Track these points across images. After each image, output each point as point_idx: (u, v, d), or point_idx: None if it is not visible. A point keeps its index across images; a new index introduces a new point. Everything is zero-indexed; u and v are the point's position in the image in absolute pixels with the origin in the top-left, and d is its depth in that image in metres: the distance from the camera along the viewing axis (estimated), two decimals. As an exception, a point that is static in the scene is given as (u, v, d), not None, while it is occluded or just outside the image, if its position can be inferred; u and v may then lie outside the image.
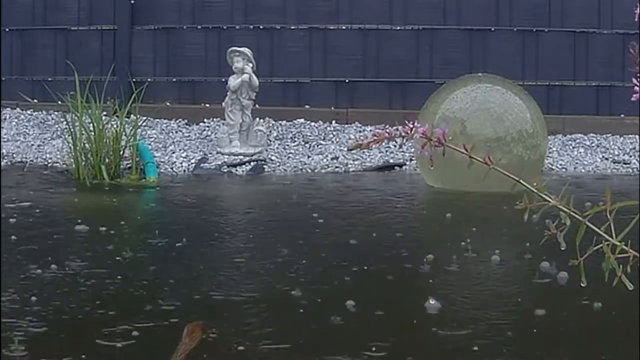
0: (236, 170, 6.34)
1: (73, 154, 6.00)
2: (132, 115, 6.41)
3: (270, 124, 7.15)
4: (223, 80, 6.83)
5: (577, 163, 6.56)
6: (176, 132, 7.13)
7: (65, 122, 6.18)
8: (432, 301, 3.47)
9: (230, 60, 6.63)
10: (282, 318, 3.42)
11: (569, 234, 1.56)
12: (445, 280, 3.95)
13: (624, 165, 6.54)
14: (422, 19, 7.38)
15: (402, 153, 6.60)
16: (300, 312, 3.47)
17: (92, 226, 4.76)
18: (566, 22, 7.32)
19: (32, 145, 6.79)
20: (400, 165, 6.45)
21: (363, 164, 6.46)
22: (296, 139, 6.93)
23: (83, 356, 2.97)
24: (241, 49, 6.61)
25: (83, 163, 5.96)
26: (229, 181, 6.17)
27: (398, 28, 7.42)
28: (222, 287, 3.80)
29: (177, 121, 7.37)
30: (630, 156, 6.69)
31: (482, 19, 7.35)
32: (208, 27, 7.54)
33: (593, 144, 6.94)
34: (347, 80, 7.46)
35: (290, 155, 6.61)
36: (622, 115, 7.19)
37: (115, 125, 6.13)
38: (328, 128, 7.20)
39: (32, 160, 6.47)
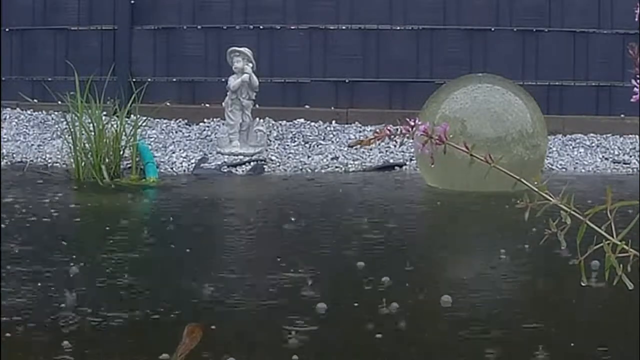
0: (236, 170, 6.34)
1: (73, 154, 5.99)
2: (132, 115, 6.41)
3: (270, 124, 7.15)
4: (223, 80, 6.83)
5: (577, 163, 6.56)
6: (176, 132, 7.13)
7: (65, 122, 6.17)
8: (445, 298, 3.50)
9: (230, 60, 6.63)
10: (282, 318, 3.42)
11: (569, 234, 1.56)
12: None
13: (624, 165, 6.54)
14: (422, 19, 7.38)
15: (402, 153, 6.60)
16: (300, 313, 3.47)
17: (93, 226, 4.76)
18: (566, 22, 7.32)
19: (32, 145, 6.79)
20: (401, 165, 6.45)
21: (363, 164, 6.46)
22: (296, 139, 6.93)
23: (85, 353, 2.98)
24: (241, 49, 6.61)
25: (83, 163, 5.96)
26: (229, 181, 6.17)
27: (398, 28, 7.42)
28: (222, 287, 3.80)
29: (177, 121, 7.37)
30: (630, 156, 6.69)
31: (482, 19, 7.35)
32: (208, 27, 7.53)
33: (593, 144, 6.94)
34: (347, 80, 7.46)
35: (290, 155, 6.61)
36: (622, 115, 7.18)
37: (115, 125, 6.13)
38: (328, 128, 7.20)
39: (32, 160, 6.46)
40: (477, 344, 3.17)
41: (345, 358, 3.11)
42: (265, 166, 6.40)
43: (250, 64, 6.59)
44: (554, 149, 6.76)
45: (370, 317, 3.40)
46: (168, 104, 7.47)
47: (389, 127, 1.50)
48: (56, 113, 7.18)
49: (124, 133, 6.11)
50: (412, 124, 1.50)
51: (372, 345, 3.12)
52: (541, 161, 5.95)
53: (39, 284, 3.71)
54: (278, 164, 6.44)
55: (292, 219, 4.88)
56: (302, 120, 7.32)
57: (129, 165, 6.12)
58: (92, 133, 6.01)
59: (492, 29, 7.36)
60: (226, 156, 6.51)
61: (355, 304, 3.54)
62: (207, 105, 7.46)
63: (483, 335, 3.25)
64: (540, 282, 3.96)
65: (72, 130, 6.00)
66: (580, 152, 6.77)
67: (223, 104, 6.67)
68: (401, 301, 3.48)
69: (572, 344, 3.17)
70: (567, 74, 7.34)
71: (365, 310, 3.47)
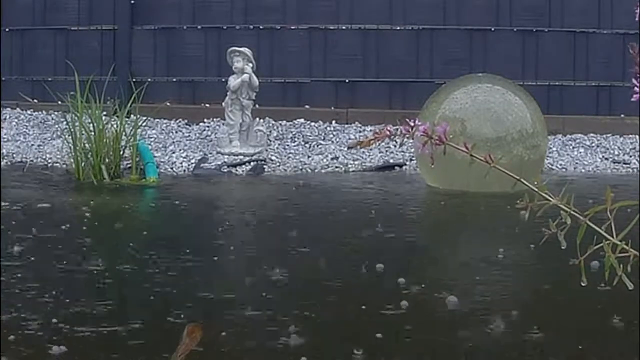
0: (236, 170, 6.34)
1: (73, 154, 5.99)
2: (132, 115, 6.41)
3: (270, 124, 7.15)
4: (223, 80, 6.83)
5: (577, 163, 6.56)
6: (176, 132, 7.13)
7: (65, 122, 6.17)
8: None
9: (230, 60, 6.63)
10: (282, 319, 3.42)
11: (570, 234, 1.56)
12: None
13: (624, 165, 6.54)
14: (422, 19, 7.38)
15: (402, 153, 6.60)
16: (300, 313, 3.47)
17: (93, 226, 4.76)
18: (566, 22, 7.31)
19: (32, 145, 6.79)
20: (401, 165, 6.45)
21: (363, 164, 6.46)
22: (296, 139, 6.93)
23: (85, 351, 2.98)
24: (241, 49, 6.61)
25: (83, 163, 5.95)
26: (229, 181, 6.16)
27: (398, 28, 7.42)
28: (222, 287, 3.80)
29: (177, 121, 7.37)
30: (630, 156, 6.69)
31: (482, 19, 7.35)
32: (208, 27, 7.53)
33: (593, 144, 6.94)
34: (347, 80, 7.46)
35: (290, 155, 6.61)
36: (622, 115, 7.18)
37: (115, 125, 6.13)
38: (328, 128, 7.20)
39: (32, 160, 6.46)
40: (479, 343, 3.18)
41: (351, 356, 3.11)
42: (265, 166, 6.40)
43: (250, 64, 6.59)
44: (554, 149, 6.76)
45: (376, 318, 3.41)
46: (168, 104, 7.47)
47: (388, 128, 1.50)
48: (56, 113, 7.17)
49: (124, 133, 6.11)
50: (412, 124, 1.50)
51: (376, 346, 3.12)
52: (541, 161, 5.95)
53: (40, 285, 3.72)
54: (278, 164, 6.44)
55: (294, 219, 4.88)
56: (302, 120, 7.32)
57: (129, 165, 6.12)
58: (92, 133, 6.01)
59: (492, 29, 7.35)
60: (226, 156, 6.51)
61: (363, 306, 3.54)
62: (207, 105, 7.45)
63: (484, 335, 3.25)
64: (541, 282, 3.96)
65: (72, 130, 6.00)
66: (580, 152, 6.77)
67: (223, 104, 6.67)
68: (411, 301, 3.49)
69: (572, 344, 3.17)
70: (567, 74, 7.34)
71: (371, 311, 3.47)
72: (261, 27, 7.48)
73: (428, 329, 3.37)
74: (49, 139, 6.91)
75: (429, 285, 3.86)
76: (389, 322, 3.36)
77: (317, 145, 6.82)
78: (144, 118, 6.62)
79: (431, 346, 3.18)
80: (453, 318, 3.44)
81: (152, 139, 6.86)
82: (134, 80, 7.40)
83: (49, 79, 7.57)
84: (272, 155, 6.56)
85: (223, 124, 6.82)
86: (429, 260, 4.38)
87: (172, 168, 6.34)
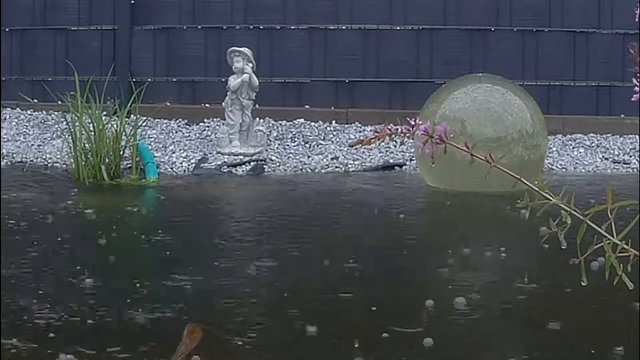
0: (236, 170, 6.34)
1: (73, 154, 5.99)
2: (132, 115, 6.41)
3: (270, 124, 7.15)
4: (223, 80, 6.83)
5: (577, 163, 6.56)
6: (176, 132, 7.13)
7: (65, 122, 6.17)
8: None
9: (230, 60, 6.63)
10: (282, 319, 3.42)
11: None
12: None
13: (624, 165, 6.54)
14: (422, 19, 7.38)
15: (402, 153, 6.60)
16: (300, 313, 3.47)
17: (93, 226, 4.76)
18: (566, 22, 7.31)
19: (32, 145, 6.79)
20: (401, 165, 6.45)
21: (363, 163, 6.46)
22: (296, 139, 6.93)
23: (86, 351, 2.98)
24: (241, 49, 6.61)
25: (83, 163, 5.95)
26: (229, 181, 6.16)
27: (398, 28, 7.42)
28: (223, 287, 3.80)
29: (177, 121, 7.37)
30: (630, 156, 6.69)
31: (482, 19, 7.35)
32: (208, 27, 7.53)
33: (593, 144, 6.93)
34: (347, 80, 7.46)
35: (290, 155, 6.61)
36: (622, 115, 7.18)
37: (115, 125, 6.12)
38: (328, 128, 7.20)
39: (32, 160, 6.46)
40: (480, 343, 3.18)
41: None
42: (265, 166, 6.40)
43: (250, 64, 6.59)
44: (554, 149, 6.76)
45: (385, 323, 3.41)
46: (168, 104, 7.47)
47: (389, 127, 1.50)
48: (56, 113, 7.17)
49: (124, 133, 6.11)
50: (413, 123, 1.50)
51: (381, 348, 3.12)
52: (541, 161, 5.94)
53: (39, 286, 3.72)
54: (278, 164, 6.44)
55: (295, 219, 4.88)
56: (302, 120, 7.32)
57: (129, 165, 6.11)
58: (92, 133, 6.01)
59: (492, 29, 7.35)
60: (226, 156, 6.51)
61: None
62: (207, 105, 7.45)
63: (486, 334, 3.25)
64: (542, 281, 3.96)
65: (72, 130, 6.00)
66: (580, 152, 6.77)
67: (223, 104, 6.67)
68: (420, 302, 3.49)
69: (572, 344, 3.17)
70: (567, 74, 7.34)
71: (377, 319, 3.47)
72: (261, 27, 7.48)
73: (434, 329, 3.37)
74: (49, 139, 6.90)
75: (431, 285, 3.86)
76: (392, 322, 3.36)
77: (317, 145, 6.82)
78: (144, 118, 6.62)
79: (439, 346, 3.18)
80: (460, 318, 3.44)
81: (152, 139, 6.86)
82: (134, 80, 7.40)
83: (49, 79, 7.57)
84: (272, 155, 6.56)
85: (223, 124, 6.82)
86: (431, 260, 4.37)
87: (172, 168, 6.34)
